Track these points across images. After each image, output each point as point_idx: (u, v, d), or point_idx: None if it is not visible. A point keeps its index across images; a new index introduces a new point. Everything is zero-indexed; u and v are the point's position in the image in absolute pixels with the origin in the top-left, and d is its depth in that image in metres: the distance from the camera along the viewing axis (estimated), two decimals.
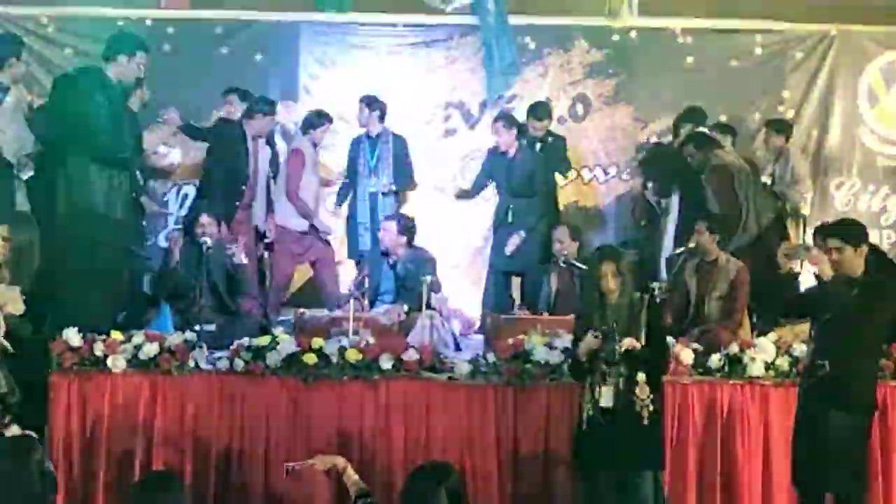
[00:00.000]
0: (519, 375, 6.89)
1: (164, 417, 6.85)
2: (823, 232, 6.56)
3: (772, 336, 7.19)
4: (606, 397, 6.03)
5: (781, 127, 9.82)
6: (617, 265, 6.17)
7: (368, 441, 6.83)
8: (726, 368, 6.96)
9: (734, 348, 7.02)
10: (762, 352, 7.00)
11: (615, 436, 5.99)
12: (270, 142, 9.31)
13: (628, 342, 6.00)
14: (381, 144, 9.44)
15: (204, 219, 8.00)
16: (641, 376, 6.02)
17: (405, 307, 8.03)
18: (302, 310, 8.22)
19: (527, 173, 9.21)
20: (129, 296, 7.87)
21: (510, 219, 9.20)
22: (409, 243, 8.69)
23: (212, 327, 7.54)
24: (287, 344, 6.94)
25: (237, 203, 8.73)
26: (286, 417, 6.86)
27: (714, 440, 6.88)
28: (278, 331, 7.28)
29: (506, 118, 9.41)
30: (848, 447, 5.99)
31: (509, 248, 9.09)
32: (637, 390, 6.01)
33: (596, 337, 6.05)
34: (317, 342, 6.94)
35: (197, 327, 7.26)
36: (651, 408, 6.03)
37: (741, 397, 6.93)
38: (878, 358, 6.56)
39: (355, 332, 7.21)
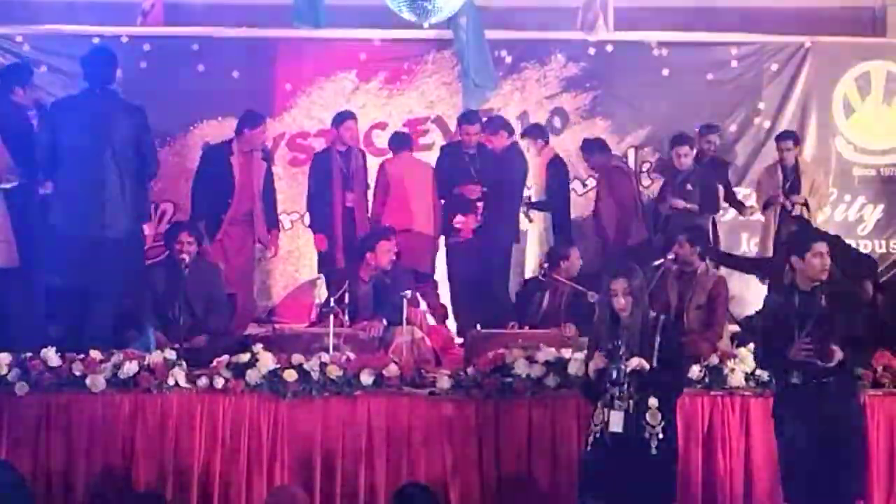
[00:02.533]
0: (500, 389, 6.87)
1: (145, 436, 6.80)
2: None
3: (751, 346, 7.18)
4: (616, 421, 5.72)
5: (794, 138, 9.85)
6: (629, 283, 5.90)
7: (350, 456, 6.80)
8: (706, 380, 6.94)
9: (714, 359, 7.01)
10: (742, 362, 6.98)
11: (621, 465, 5.71)
12: (267, 157, 9.24)
13: (635, 362, 5.73)
14: (353, 159, 9.39)
15: (183, 236, 7.95)
16: (653, 401, 5.73)
17: (384, 321, 8.00)
18: (280, 325, 8.15)
19: (508, 171, 9.15)
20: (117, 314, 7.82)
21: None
22: None
23: (191, 345, 7.49)
24: (267, 360, 6.90)
25: (222, 216, 8.74)
26: (267, 434, 6.82)
27: (695, 452, 6.84)
28: (258, 347, 7.24)
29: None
30: (839, 457, 5.94)
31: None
32: (648, 416, 5.72)
33: (602, 356, 5.86)
34: (297, 358, 6.91)
35: (176, 345, 7.22)
36: (661, 436, 5.73)
37: (722, 408, 6.92)
38: (858, 367, 6.51)
39: (335, 348, 7.18)
